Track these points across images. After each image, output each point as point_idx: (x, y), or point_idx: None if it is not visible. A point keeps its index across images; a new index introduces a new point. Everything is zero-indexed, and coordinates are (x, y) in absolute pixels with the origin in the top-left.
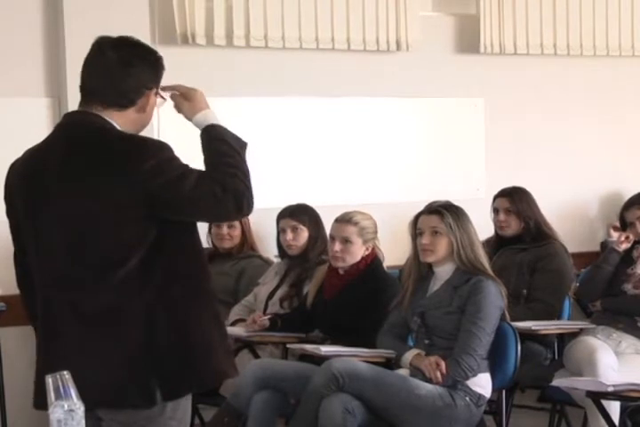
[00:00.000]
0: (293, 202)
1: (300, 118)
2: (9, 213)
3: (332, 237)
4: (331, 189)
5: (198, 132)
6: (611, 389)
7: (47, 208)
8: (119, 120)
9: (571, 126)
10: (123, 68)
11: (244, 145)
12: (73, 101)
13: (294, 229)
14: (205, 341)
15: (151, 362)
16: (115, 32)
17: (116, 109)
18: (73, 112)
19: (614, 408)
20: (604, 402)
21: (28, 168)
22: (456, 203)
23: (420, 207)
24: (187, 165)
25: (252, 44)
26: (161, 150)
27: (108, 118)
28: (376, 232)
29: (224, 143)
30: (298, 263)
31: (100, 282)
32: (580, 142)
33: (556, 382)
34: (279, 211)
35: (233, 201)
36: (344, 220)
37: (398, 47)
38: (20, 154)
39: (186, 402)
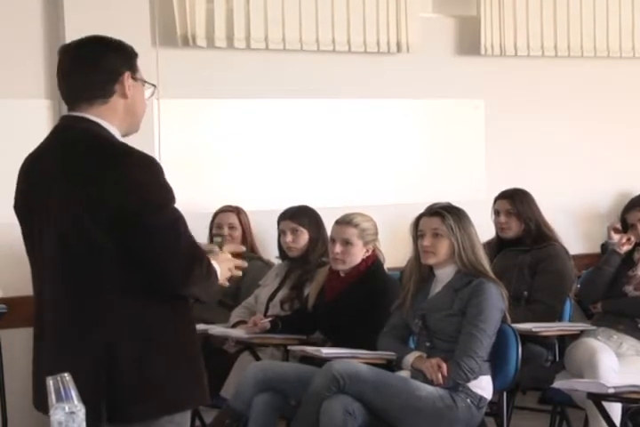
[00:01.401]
0: (294, 204)
1: (300, 120)
2: (18, 216)
3: (333, 239)
4: (331, 191)
5: (198, 135)
6: (611, 390)
7: (43, 209)
8: (110, 114)
9: (571, 128)
10: (90, 63)
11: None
12: None
13: (294, 232)
14: (166, 369)
15: (105, 380)
16: (115, 33)
17: (100, 103)
18: (68, 116)
19: (615, 410)
20: (605, 404)
21: (27, 173)
22: (456, 204)
23: (421, 209)
24: (173, 199)
25: (252, 46)
26: (151, 164)
27: (100, 120)
28: (376, 234)
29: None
30: (299, 265)
31: (79, 287)
32: (580, 144)
33: (556, 384)
34: (280, 212)
35: (186, 262)
36: (344, 222)
37: (399, 49)
38: (20, 155)
39: None
